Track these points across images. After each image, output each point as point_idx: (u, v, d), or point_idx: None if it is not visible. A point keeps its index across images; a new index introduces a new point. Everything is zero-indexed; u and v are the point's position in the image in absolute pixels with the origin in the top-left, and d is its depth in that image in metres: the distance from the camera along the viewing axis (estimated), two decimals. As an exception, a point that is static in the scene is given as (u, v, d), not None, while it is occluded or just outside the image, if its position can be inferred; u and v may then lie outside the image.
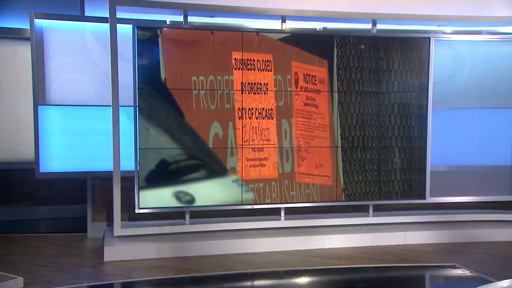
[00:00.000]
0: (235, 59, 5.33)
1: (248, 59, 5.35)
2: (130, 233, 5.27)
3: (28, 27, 5.41)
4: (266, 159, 5.48)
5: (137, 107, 5.09)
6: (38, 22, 5.38)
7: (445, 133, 6.04)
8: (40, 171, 5.42)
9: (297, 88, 5.53)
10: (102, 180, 5.71)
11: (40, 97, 5.41)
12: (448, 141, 6.07)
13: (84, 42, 5.50)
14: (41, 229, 6.48)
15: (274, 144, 5.51)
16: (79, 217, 6.66)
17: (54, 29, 5.44)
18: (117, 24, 5.05)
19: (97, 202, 5.78)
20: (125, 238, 5.25)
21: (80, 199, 6.74)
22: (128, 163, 5.20)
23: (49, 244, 5.56)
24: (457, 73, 6.02)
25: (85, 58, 5.51)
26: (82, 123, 5.50)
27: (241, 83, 5.36)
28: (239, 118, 5.38)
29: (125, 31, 5.19)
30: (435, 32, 5.97)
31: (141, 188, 5.16)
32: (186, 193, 5.27)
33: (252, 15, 5.41)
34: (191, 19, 5.41)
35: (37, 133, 5.38)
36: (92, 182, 5.74)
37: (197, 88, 5.24)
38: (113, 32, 5.01)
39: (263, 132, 5.46)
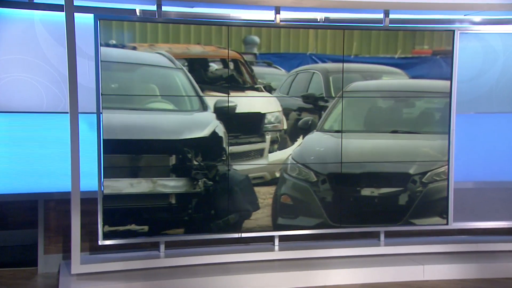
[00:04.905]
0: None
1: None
2: (92, 270, 4.78)
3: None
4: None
5: (101, 115, 4.70)
6: (-25, 9, 4.91)
7: (471, 143, 5.66)
8: (-22, 192, 4.90)
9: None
10: (57, 202, 5.22)
11: (-22, 101, 4.95)
12: (475, 153, 5.70)
13: (34, 34, 5.02)
14: (-21, 262, 5.78)
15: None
16: (28, 245, 5.87)
17: (-5, 18, 5.01)
18: (76, 14, 4.60)
19: (50, 229, 5.27)
20: (86, 275, 4.77)
21: (30, 222, 5.91)
22: (89, 181, 4.81)
23: (-11, 283, 4.97)
24: (487, 71, 5.64)
25: (35, 54, 5.05)
26: (33, 134, 5.06)
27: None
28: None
29: (85, 21, 4.79)
30: (460, 21, 5.65)
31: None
32: (161, 219, 4.96)
33: (239, 5, 5.09)
34: (165, 9, 5.04)
35: (-26, 146, 4.88)
36: (44, 205, 5.24)
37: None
38: (70, 23, 4.55)
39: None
